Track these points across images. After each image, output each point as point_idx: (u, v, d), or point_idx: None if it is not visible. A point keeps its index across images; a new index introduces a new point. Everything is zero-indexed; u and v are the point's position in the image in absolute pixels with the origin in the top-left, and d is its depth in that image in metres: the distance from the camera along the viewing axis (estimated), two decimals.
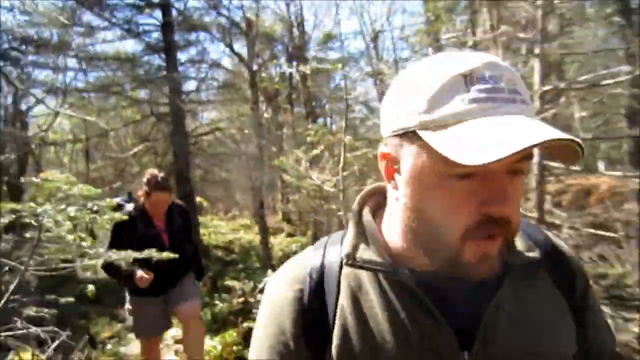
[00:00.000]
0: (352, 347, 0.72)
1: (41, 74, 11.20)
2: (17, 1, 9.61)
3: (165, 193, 3.31)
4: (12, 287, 2.15)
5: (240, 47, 10.12)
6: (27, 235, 2.86)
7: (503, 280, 0.72)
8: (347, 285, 0.76)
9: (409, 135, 0.66)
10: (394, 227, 0.75)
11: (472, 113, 0.60)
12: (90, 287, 3.86)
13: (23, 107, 12.27)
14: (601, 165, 4.32)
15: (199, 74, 10.61)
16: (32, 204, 2.45)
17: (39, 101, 11.76)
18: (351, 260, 0.75)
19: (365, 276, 0.75)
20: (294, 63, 9.10)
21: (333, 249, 0.81)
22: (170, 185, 3.44)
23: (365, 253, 0.75)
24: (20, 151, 10.73)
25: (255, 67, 7.36)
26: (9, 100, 11.35)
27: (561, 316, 0.77)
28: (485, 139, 0.58)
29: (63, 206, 2.37)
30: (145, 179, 3.37)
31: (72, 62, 10.75)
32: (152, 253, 2.92)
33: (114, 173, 14.08)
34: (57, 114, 11.79)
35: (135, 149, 10.49)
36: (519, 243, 0.77)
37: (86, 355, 3.81)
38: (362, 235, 0.77)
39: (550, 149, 0.63)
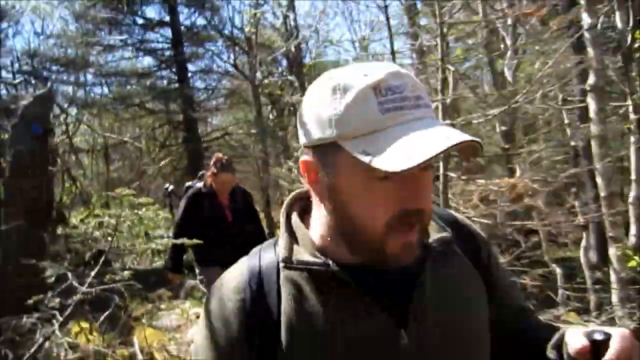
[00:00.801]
0: (299, 346, 0.75)
1: (66, 88, 12.27)
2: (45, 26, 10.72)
3: (230, 174, 3.65)
4: (98, 266, 3.15)
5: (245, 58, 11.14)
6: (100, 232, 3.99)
7: (425, 262, 0.79)
8: (286, 288, 0.78)
9: (329, 146, 0.71)
10: (320, 228, 0.80)
11: (385, 122, 0.67)
12: (126, 273, 4.66)
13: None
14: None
15: (208, 84, 11.69)
16: (111, 211, 3.58)
17: (63, 111, 12.95)
18: (289, 263, 0.77)
19: (302, 277, 0.78)
20: (292, 71, 10.04)
21: (268, 255, 0.83)
22: (234, 168, 3.76)
23: (300, 255, 0.78)
24: (50, 153, 11.84)
25: (257, 82, 8.35)
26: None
27: (475, 285, 0.85)
28: (403, 147, 0.65)
29: (136, 211, 3.47)
30: (212, 162, 3.73)
31: (92, 77, 11.85)
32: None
33: (132, 174, 15.23)
34: (79, 122, 13.00)
35: (153, 156, 11.58)
36: (432, 225, 0.83)
37: (128, 325, 4.84)
38: (294, 238, 0.81)
39: (456, 148, 0.70)
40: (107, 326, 3.92)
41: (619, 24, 3.11)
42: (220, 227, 3.61)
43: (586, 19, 3.05)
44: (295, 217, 0.84)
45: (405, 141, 0.65)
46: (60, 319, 2.84)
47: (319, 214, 0.80)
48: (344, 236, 0.76)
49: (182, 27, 11.28)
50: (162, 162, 12.56)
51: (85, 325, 4.14)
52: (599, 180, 3.14)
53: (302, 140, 0.78)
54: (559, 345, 0.81)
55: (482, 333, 0.83)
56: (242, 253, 3.89)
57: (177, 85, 10.94)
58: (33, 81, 10.93)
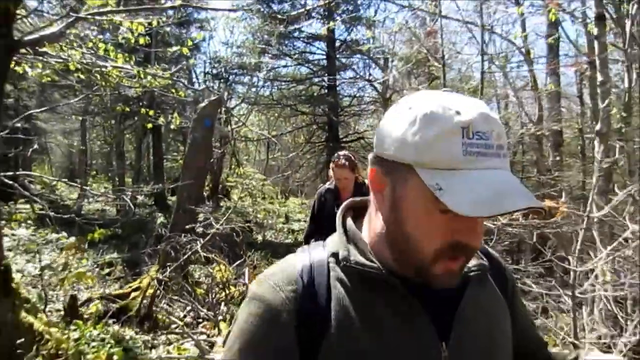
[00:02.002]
0: (345, 342, 0.77)
1: (241, 88, 15.04)
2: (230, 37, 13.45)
3: (344, 169, 3.54)
4: (229, 212, 4.87)
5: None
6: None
7: (466, 284, 0.84)
8: (337, 285, 0.81)
9: (403, 166, 0.75)
10: (372, 235, 0.84)
11: (465, 164, 0.70)
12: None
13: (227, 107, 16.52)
14: None
15: (354, 92, 13.35)
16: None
17: (240, 102, 15.83)
18: (347, 262, 0.80)
19: (353, 277, 0.81)
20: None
21: (318, 253, 0.86)
22: (352, 163, 3.61)
23: (357, 257, 0.81)
24: (223, 142, 14.70)
25: (387, 95, 9.62)
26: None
27: (504, 312, 0.91)
28: (477, 194, 0.68)
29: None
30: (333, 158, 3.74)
31: (262, 81, 14.37)
32: None
33: (286, 163, 17.73)
34: (250, 112, 15.77)
35: (300, 150, 13.66)
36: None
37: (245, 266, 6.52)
38: (351, 241, 0.85)
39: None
40: (230, 260, 5.64)
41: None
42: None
43: None
44: (350, 222, 0.88)
45: (479, 188, 0.69)
46: (202, 241, 4.64)
47: (374, 222, 0.84)
48: (394, 249, 0.80)
49: (337, 41, 13.06)
50: (308, 156, 14.64)
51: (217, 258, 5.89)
52: None
53: (378, 150, 0.80)
54: None
55: (508, 354, 0.89)
56: None
57: (326, 91, 12.76)
58: (216, 82, 13.81)
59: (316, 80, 13.28)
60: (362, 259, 0.81)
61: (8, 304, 3.18)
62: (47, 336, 3.17)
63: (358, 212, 0.92)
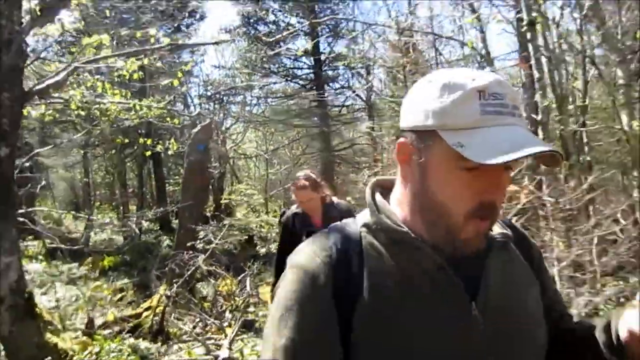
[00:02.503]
0: (379, 303, 0.80)
1: (235, 108, 15.49)
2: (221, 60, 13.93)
3: (304, 191, 3.20)
4: (225, 228, 5.26)
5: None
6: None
7: (491, 251, 0.88)
8: (370, 250, 0.85)
9: (428, 133, 0.80)
10: (401, 206, 0.88)
11: (483, 122, 0.75)
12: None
13: (223, 129, 17.00)
14: None
15: (342, 102, 13.78)
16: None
17: (235, 122, 16.28)
18: (378, 225, 0.85)
19: (384, 243, 0.85)
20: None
21: (350, 226, 0.91)
22: (314, 182, 3.24)
23: (387, 222, 0.86)
24: (222, 161, 15.11)
25: (371, 101, 10.04)
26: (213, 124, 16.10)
27: (531, 279, 0.94)
28: (493, 145, 0.73)
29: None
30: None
31: (254, 99, 14.83)
32: None
33: (284, 176, 18.13)
34: (246, 130, 16.22)
35: (295, 161, 14.07)
36: (497, 224, 0.92)
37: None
38: (380, 211, 0.88)
39: (540, 156, 0.79)
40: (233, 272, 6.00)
41: None
42: None
43: None
44: (379, 196, 0.92)
45: (497, 140, 0.74)
46: (203, 256, 5.02)
47: (403, 194, 0.88)
48: (424, 216, 0.84)
49: (322, 56, 13.53)
50: (305, 167, 15.03)
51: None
52: None
53: (403, 124, 0.86)
54: (608, 329, 0.87)
55: (539, 317, 0.91)
56: None
57: (315, 104, 13.20)
58: (211, 103, 14.27)
59: (305, 94, 13.72)
60: (391, 224, 0.85)
61: (34, 327, 3.56)
62: (70, 353, 3.54)
63: (385, 190, 0.94)
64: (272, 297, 3.08)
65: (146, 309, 5.59)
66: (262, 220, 12.87)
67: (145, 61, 5.36)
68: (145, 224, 12.53)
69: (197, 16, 14.52)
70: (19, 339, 3.43)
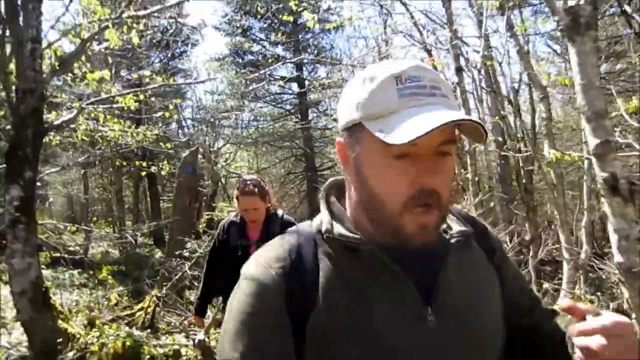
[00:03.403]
0: (331, 313, 0.79)
1: (226, 130, 16.49)
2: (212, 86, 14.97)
3: (251, 198, 2.88)
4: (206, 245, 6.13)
5: None
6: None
7: (449, 251, 0.86)
8: (324, 259, 0.83)
9: (356, 127, 0.80)
10: (352, 207, 0.87)
11: (400, 105, 0.75)
12: None
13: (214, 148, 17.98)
14: None
15: (325, 124, 14.81)
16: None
17: (225, 144, 17.28)
18: (330, 234, 0.83)
19: (338, 249, 0.83)
20: None
21: (305, 232, 0.89)
22: (262, 190, 2.95)
23: (339, 229, 0.83)
24: (213, 180, 16.02)
25: None
26: (203, 147, 17.06)
27: (491, 277, 0.92)
28: (409, 124, 0.72)
29: None
30: (237, 184, 3.14)
31: (244, 121, 15.85)
32: None
33: (276, 193, 19.10)
34: (237, 151, 17.20)
35: (282, 180, 15.05)
36: (455, 222, 0.91)
37: None
38: (333, 216, 0.87)
39: (463, 132, 0.79)
40: None
41: None
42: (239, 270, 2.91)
43: None
44: (333, 199, 0.91)
45: (413, 120, 0.72)
46: (189, 263, 5.92)
47: (350, 194, 0.87)
48: (367, 213, 0.83)
49: (306, 81, 14.59)
50: (291, 186, 15.99)
51: None
52: None
53: (339, 125, 0.86)
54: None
55: (497, 320, 0.88)
56: None
57: (299, 126, 14.22)
58: (202, 126, 15.28)
59: (291, 117, 14.77)
60: (344, 231, 0.83)
61: (49, 315, 4.44)
62: (77, 336, 4.43)
63: (341, 190, 0.93)
64: (223, 308, 3.28)
65: (139, 309, 6.46)
66: None
67: (141, 97, 6.32)
68: (140, 238, 13.38)
69: (189, 45, 15.60)
70: (37, 324, 4.31)
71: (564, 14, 2.23)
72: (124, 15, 4.84)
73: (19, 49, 4.40)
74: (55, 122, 4.87)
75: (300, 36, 14.54)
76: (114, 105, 6.66)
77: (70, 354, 4.18)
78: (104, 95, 5.62)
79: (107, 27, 4.72)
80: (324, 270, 0.82)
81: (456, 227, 0.90)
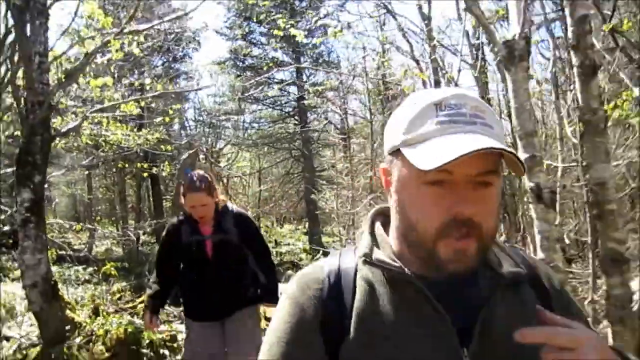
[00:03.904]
0: (365, 341, 0.78)
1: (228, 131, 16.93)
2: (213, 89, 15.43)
3: (200, 194, 2.80)
4: None
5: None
6: None
7: (495, 290, 0.82)
8: (361, 285, 0.83)
9: (396, 153, 0.80)
10: (394, 235, 0.86)
11: (437, 132, 0.74)
12: None
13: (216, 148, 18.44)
14: None
15: (323, 127, 15.24)
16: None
17: (226, 144, 17.73)
18: (368, 258, 0.84)
19: (377, 277, 0.83)
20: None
21: (347, 256, 0.89)
22: (209, 186, 2.86)
23: (380, 255, 0.84)
24: (215, 178, 16.45)
25: (345, 127, 11.47)
26: (206, 147, 17.51)
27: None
28: (440, 150, 0.71)
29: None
30: (183, 180, 3.09)
31: (245, 123, 16.28)
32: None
33: (273, 193, 19.54)
34: (238, 151, 17.65)
35: (280, 180, 15.48)
36: (507, 259, 0.87)
37: None
38: (375, 242, 0.88)
39: (506, 162, 0.76)
40: None
41: None
42: (197, 267, 2.92)
43: None
44: (378, 225, 0.91)
45: (443, 146, 0.71)
46: None
47: (393, 221, 0.86)
48: (405, 239, 0.82)
49: (306, 85, 15.00)
50: (290, 186, 16.43)
51: None
52: None
53: (384, 150, 0.87)
54: None
55: None
56: (227, 304, 2.92)
57: (298, 129, 14.64)
58: (204, 127, 15.73)
59: (289, 120, 15.19)
60: (383, 257, 0.83)
61: (58, 306, 4.87)
62: (84, 324, 4.85)
63: (387, 218, 0.91)
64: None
65: (140, 302, 6.89)
66: None
67: (142, 103, 6.74)
68: (143, 236, 13.81)
69: (191, 48, 16.02)
70: (47, 314, 4.73)
71: (502, 46, 2.61)
72: (126, 30, 5.25)
73: (27, 63, 4.82)
74: (62, 130, 5.29)
75: (298, 41, 14.93)
76: (117, 113, 7.11)
77: (77, 340, 4.59)
78: (107, 103, 6.02)
79: (109, 41, 5.13)
80: (360, 297, 0.82)
81: (507, 266, 0.86)
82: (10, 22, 4.97)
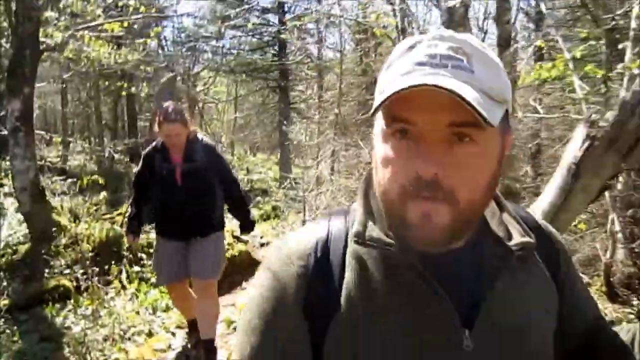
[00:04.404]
0: (357, 322, 0.71)
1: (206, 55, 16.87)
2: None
3: (175, 124, 3.02)
4: None
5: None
6: None
7: (502, 265, 0.73)
8: (352, 263, 0.74)
9: (376, 111, 0.67)
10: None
11: (398, 79, 0.63)
12: None
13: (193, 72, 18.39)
14: None
15: (301, 58, 15.38)
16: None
17: (203, 69, 17.72)
18: (361, 239, 0.72)
19: (370, 254, 0.73)
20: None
21: (337, 225, 0.79)
22: (183, 118, 3.09)
23: (374, 232, 0.73)
24: (191, 104, 16.59)
25: (321, 62, 11.74)
26: (183, 69, 17.47)
27: (549, 297, 0.79)
28: (397, 83, 0.61)
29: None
30: (158, 110, 3.23)
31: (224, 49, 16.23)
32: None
33: (253, 121, 19.81)
34: (216, 76, 17.71)
35: (257, 109, 15.78)
36: (516, 227, 0.77)
37: None
38: (370, 214, 0.76)
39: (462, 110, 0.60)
40: None
41: None
42: (167, 191, 3.18)
43: None
44: (373, 192, 0.76)
45: (404, 79, 0.62)
46: None
47: None
48: (382, 204, 0.71)
49: (286, 16, 14.95)
50: (265, 115, 16.75)
51: None
52: None
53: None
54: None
55: (543, 349, 0.76)
56: (194, 226, 3.28)
57: (276, 59, 14.77)
58: (182, 49, 15.64)
59: (269, 49, 15.24)
60: (378, 234, 0.72)
61: (45, 209, 5.39)
62: (68, 226, 5.41)
63: None
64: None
65: (118, 214, 7.44)
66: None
67: (126, 24, 6.93)
68: (116, 155, 14.13)
69: None
70: (35, 215, 5.25)
71: (445, 11, 3.09)
72: None
73: None
74: (50, 45, 5.54)
75: None
76: (100, 30, 7.25)
77: (64, 241, 5.15)
78: (93, 22, 6.21)
79: None
80: (350, 275, 0.73)
81: (517, 237, 0.76)
82: None
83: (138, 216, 3.43)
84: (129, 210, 3.51)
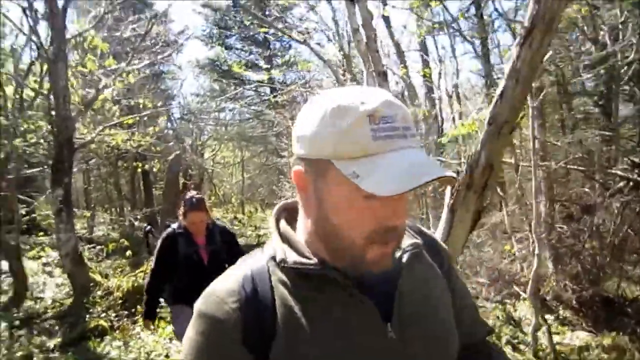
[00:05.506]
0: (293, 341, 0.79)
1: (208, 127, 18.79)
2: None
3: (200, 213, 3.42)
4: None
5: None
6: None
7: (401, 263, 0.88)
8: (279, 288, 0.82)
9: (322, 162, 0.77)
10: (305, 234, 0.87)
11: (376, 148, 0.73)
12: None
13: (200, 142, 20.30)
14: None
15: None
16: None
17: (208, 138, 19.60)
18: (284, 263, 0.82)
19: (293, 277, 0.82)
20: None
21: (257, 261, 0.87)
22: (205, 206, 3.51)
23: (293, 256, 0.83)
24: (200, 170, 18.34)
25: None
26: (191, 141, 19.39)
27: (442, 284, 0.95)
28: (390, 174, 0.72)
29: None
30: (183, 201, 3.56)
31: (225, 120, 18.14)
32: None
33: (259, 180, 21.47)
34: (220, 145, 19.55)
35: (259, 170, 17.48)
36: (405, 235, 0.90)
37: None
38: (286, 242, 0.86)
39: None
40: None
41: None
42: (196, 270, 3.45)
43: None
44: (284, 223, 0.90)
45: (392, 168, 0.72)
46: None
47: (305, 222, 0.86)
48: (327, 243, 0.82)
49: (278, 83, 16.87)
50: (266, 175, 18.39)
51: None
52: None
53: (297, 151, 0.82)
54: None
55: (451, 326, 0.92)
56: None
57: (271, 126, 16.57)
58: (190, 124, 17.61)
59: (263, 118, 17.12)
60: (298, 258, 0.83)
61: (83, 270, 6.91)
62: (103, 282, 6.91)
63: (292, 213, 0.92)
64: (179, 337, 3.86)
65: (140, 272, 8.93)
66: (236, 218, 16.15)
67: (137, 118, 8.69)
68: (136, 222, 15.71)
69: (176, 51, 17.79)
70: (76, 275, 6.77)
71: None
72: (127, 68, 7.21)
73: (56, 98, 6.76)
74: (82, 143, 7.27)
75: (271, 45, 16.81)
76: (116, 121, 9.06)
77: (99, 292, 6.64)
78: (115, 121, 8.00)
79: (114, 79, 7.10)
80: (280, 298, 0.82)
81: (407, 240, 0.91)
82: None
83: (154, 303, 3.72)
84: (145, 296, 3.74)
